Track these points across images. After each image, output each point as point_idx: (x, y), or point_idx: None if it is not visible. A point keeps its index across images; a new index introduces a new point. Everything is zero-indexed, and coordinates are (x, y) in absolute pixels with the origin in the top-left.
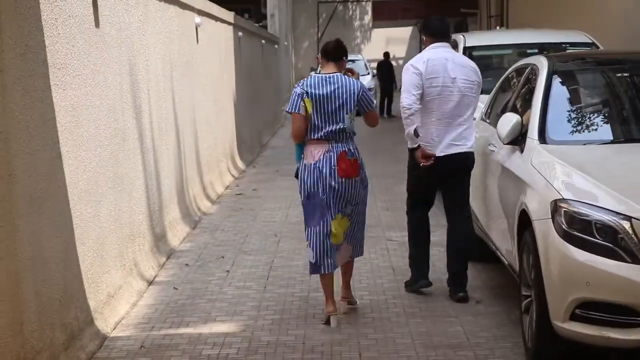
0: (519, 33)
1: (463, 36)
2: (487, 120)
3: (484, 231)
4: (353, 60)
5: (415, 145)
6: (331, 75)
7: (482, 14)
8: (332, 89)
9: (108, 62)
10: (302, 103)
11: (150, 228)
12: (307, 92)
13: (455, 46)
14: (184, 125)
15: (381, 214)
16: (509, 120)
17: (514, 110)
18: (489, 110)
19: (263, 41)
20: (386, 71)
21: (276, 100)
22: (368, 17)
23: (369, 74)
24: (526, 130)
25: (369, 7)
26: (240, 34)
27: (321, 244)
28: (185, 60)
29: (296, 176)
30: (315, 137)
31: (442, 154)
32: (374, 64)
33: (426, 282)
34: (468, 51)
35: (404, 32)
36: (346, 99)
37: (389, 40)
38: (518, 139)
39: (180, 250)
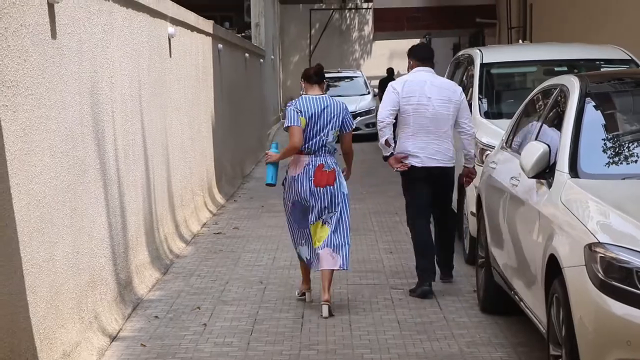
0: (545, 48)
1: (480, 51)
2: (509, 149)
3: (505, 278)
4: (351, 77)
5: (388, 154)
6: (319, 96)
7: (502, 25)
8: (322, 108)
9: (66, 80)
10: (298, 118)
11: (113, 274)
12: (300, 111)
13: (470, 62)
14: (155, 153)
15: (384, 257)
16: (534, 150)
17: (540, 138)
18: (510, 138)
19: (247, 55)
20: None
21: (261, 123)
22: (369, 28)
23: (369, 93)
24: (555, 162)
25: (369, 16)
26: (220, 46)
27: (303, 245)
28: (156, 77)
29: (271, 185)
30: (301, 151)
31: (420, 165)
32: (376, 82)
33: (429, 290)
34: (485, 69)
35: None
36: (333, 117)
37: (393, 54)
38: (545, 172)
39: (148, 299)
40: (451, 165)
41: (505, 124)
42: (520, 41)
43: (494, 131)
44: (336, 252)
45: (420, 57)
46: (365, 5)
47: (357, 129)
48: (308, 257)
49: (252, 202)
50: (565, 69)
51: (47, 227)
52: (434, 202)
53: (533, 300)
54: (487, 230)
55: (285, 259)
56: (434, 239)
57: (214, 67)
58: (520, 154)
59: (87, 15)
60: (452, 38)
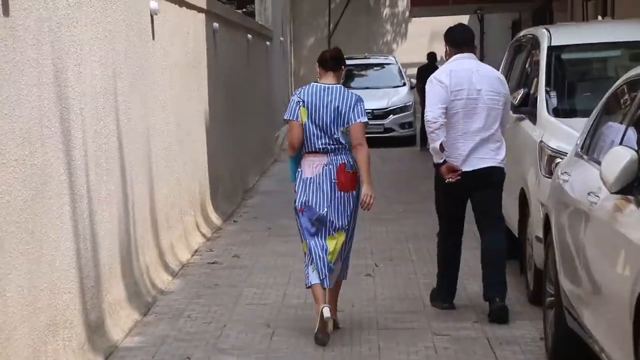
0: (631, 26)
1: (547, 31)
2: (585, 157)
3: (580, 322)
4: (382, 65)
5: (441, 161)
6: (330, 86)
7: None
8: (329, 99)
9: (22, 68)
10: (299, 111)
11: (81, 314)
12: (303, 101)
13: (535, 45)
14: (134, 160)
15: (424, 295)
16: (619, 158)
17: (627, 142)
18: (587, 142)
19: (249, 36)
20: None
21: (267, 123)
22: (403, 2)
23: (404, 84)
24: None
25: None
26: (216, 25)
27: (320, 259)
28: (136, 65)
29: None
30: (313, 149)
31: (469, 169)
32: (413, 70)
33: (449, 306)
34: (555, 54)
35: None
36: (342, 111)
37: (435, 35)
38: (633, 186)
39: (125, 347)
40: (502, 165)
41: (580, 124)
42: (600, 17)
43: (566, 133)
44: (341, 262)
45: (457, 42)
46: None
47: (390, 129)
48: (321, 278)
49: (257, 223)
50: None
51: None
52: (480, 209)
53: (617, 350)
54: (557, 261)
55: (299, 295)
56: (481, 256)
57: (208, 52)
58: (600, 162)
59: None
60: (511, 14)
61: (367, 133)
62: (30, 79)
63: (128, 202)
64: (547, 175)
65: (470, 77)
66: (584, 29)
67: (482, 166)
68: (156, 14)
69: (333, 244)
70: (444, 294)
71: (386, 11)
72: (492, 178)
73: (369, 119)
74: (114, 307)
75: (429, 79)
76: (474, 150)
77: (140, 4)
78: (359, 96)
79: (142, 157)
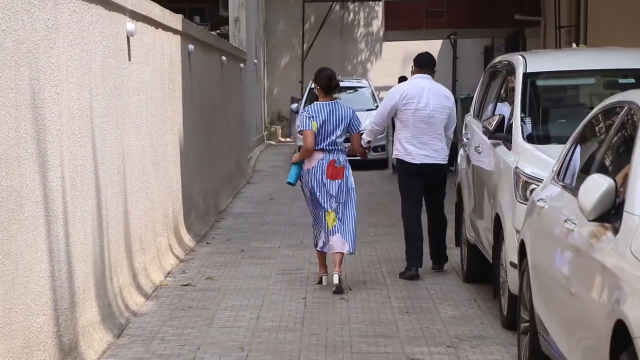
0: (605, 54)
1: (522, 58)
2: (561, 184)
3: (556, 348)
4: (355, 88)
5: (367, 147)
6: (329, 102)
7: (548, 23)
8: (331, 113)
9: (0, 89)
10: (310, 122)
11: (54, 336)
12: (312, 117)
13: (511, 72)
14: (108, 182)
15: (398, 318)
16: (596, 186)
17: (603, 170)
18: (563, 169)
19: (223, 58)
20: None
21: (240, 145)
22: (378, 22)
23: (377, 107)
24: (622, 201)
25: (379, 8)
26: (191, 47)
27: (322, 229)
28: (112, 86)
29: (290, 184)
30: (315, 148)
31: (417, 162)
32: (384, 93)
33: (416, 272)
34: (530, 80)
35: (431, 48)
36: (341, 121)
37: (408, 58)
38: (610, 214)
39: None
40: (444, 163)
41: (555, 151)
42: (574, 45)
43: (540, 160)
44: (344, 239)
45: (420, 64)
46: None
47: None
48: (325, 242)
49: (230, 245)
50: (633, 81)
51: None
52: (428, 198)
53: None
54: (532, 287)
55: (273, 318)
56: (428, 232)
57: (183, 74)
58: (576, 190)
59: (26, 7)
60: (483, 40)
61: None
62: (8, 100)
63: (102, 223)
64: (522, 201)
65: (421, 93)
66: (559, 56)
67: (427, 162)
68: (132, 36)
69: (328, 216)
70: (412, 262)
71: (360, 30)
72: (437, 170)
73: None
74: (87, 329)
75: (389, 90)
76: (420, 148)
77: (117, 25)
78: (352, 110)
79: (117, 179)
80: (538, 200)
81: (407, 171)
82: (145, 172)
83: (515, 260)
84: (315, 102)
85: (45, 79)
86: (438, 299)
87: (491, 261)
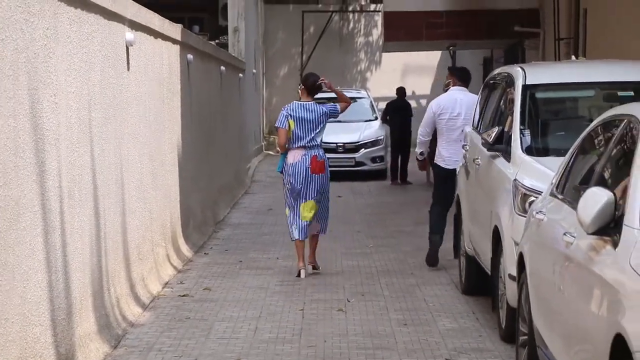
0: (605, 66)
1: (522, 70)
2: (560, 196)
3: None
4: (355, 99)
5: (422, 159)
6: (308, 103)
7: (547, 35)
8: (308, 112)
9: None
10: (286, 122)
11: (51, 347)
12: (290, 115)
13: (510, 84)
14: (107, 191)
15: (396, 330)
16: (595, 199)
17: (602, 183)
18: (562, 181)
19: (222, 68)
20: (400, 115)
21: (239, 155)
22: (377, 31)
23: (376, 118)
24: (622, 214)
25: (378, 17)
26: (190, 56)
27: (296, 220)
28: (111, 96)
29: (280, 171)
30: (296, 145)
31: (449, 167)
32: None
33: (435, 261)
34: (529, 92)
35: (430, 59)
36: (318, 120)
37: (407, 69)
38: (609, 227)
39: None
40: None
41: (554, 163)
42: (573, 57)
43: (539, 172)
44: (319, 222)
45: (461, 78)
46: (372, 6)
47: (361, 163)
48: (299, 232)
49: (228, 255)
50: (632, 94)
51: None
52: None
53: None
54: (531, 299)
55: (271, 329)
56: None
57: (182, 84)
58: (576, 202)
59: (25, 16)
60: (482, 51)
61: (337, 166)
62: (6, 110)
63: (100, 233)
64: (521, 214)
65: (455, 104)
66: (558, 68)
67: (451, 167)
68: (132, 45)
69: (306, 208)
70: (433, 251)
71: (360, 40)
72: (453, 175)
73: (340, 152)
74: (84, 340)
75: (430, 104)
76: (451, 154)
77: (116, 35)
78: (325, 109)
79: (115, 189)
80: (537, 213)
81: (438, 174)
82: (143, 182)
83: (514, 273)
84: (295, 102)
85: (43, 89)
86: (436, 311)
87: (490, 273)
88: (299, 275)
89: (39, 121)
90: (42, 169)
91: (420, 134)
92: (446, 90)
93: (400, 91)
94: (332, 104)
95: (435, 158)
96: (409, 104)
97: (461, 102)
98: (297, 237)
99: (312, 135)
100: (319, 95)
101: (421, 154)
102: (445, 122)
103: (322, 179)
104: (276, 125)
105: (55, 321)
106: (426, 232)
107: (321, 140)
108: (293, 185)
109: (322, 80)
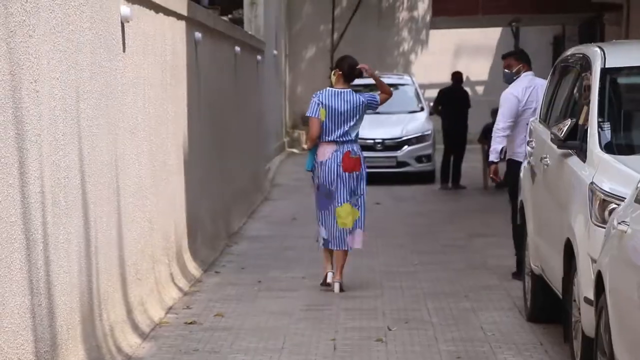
0: None
1: (600, 50)
2: None
3: None
4: (396, 85)
5: (497, 161)
6: (343, 90)
7: (632, 7)
8: (343, 101)
9: None
10: (319, 110)
11: None
12: (322, 103)
13: (585, 67)
14: (98, 198)
15: None
16: None
17: None
18: None
19: (237, 48)
20: (456, 106)
21: (257, 154)
22: (424, 6)
23: (422, 109)
24: None
25: None
26: (197, 35)
27: (331, 225)
28: (103, 83)
29: (310, 170)
30: (327, 139)
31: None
32: (432, 92)
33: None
34: (610, 76)
35: (488, 38)
36: (353, 111)
37: (460, 50)
38: None
39: None
40: None
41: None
42: None
43: (622, 173)
44: (363, 231)
45: (529, 61)
46: None
47: (404, 163)
48: (326, 238)
49: (244, 274)
50: None
51: None
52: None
53: None
54: (612, 328)
55: None
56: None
57: (188, 68)
58: None
59: None
60: (552, 28)
61: (376, 167)
62: None
63: (90, 248)
64: (599, 224)
65: (538, 92)
66: None
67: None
68: (128, 22)
69: (343, 213)
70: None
71: (402, 16)
72: None
73: (378, 150)
74: None
75: (505, 93)
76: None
77: (109, 9)
78: (363, 99)
79: (108, 194)
80: (619, 223)
81: (517, 173)
82: (142, 186)
83: (591, 296)
84: (328, 88)
85: (22, 74)
86: (496, 341)
87: (561, 296)
88: (325, 282)
89: (17, 113)
90: (20, 171)
91: (501, 128)
92: (509, 81)
93: (457, 77)
94: (371, 93)
95: (511, 155)
96: (466, 93)
97: (541, 88)
98: (331, 246)
99: (346, 128)
100: (355, 82)
101: (500, 152)
102: (532, 112)
103: (358, 178)
104: (307, 114)
105: (38, 354)
106: (483, 247)
107: (357, 136)
108: (324, 186)
109: (363, 66)
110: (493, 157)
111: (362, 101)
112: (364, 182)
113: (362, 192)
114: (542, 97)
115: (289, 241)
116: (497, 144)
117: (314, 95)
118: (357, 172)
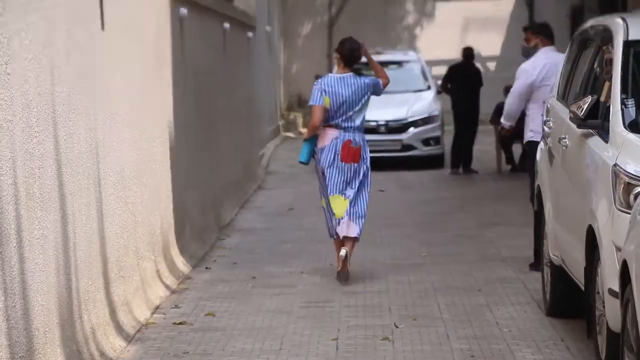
0: None
1: (623, 21)
2: None
3: None
4: (400, 62)
5: (507, 126)
6: (345, 75)
7: None
8: (346, 86)
9: None
10: (322, 98)
11: None
12: (325, 90)
13: (606, 40)
14: (76, 189)
15: None
16: None
17: None
18: None
19: (226, 25)
20: (467, 84)
21: (250, 139)
22: None
23: (429, 88)
24: None
25: None
26: (183, 10)
27: (328, 213)
28: (80, 63)
29: (303, 162)
30: (328, 123)
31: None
32: (439, 69)
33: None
34: (633, 50)
35: (499, 10)
36: (356, 95)
37: (469, 23)
38: None
39: None
40: None
41: None
42: None
43: None
44: (354, 222)
45: (551, 35)
46: None
47: (410, 147)
48: (332, 225)
49: (237, 270)
50: None
51: None
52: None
53: None
54: (639, 322)
55: None
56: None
57: (173, 47)
58: None
59: None
60: None
61: (380, 151)
62: None
63: (69, 244)
64: (624, 209)
65: (559, 68)
66: None
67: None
68: None
69: (335, 203)
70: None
71: None
72: None
73: (381, 132)
74: None
75: (520, 68)
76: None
77: None
78: (368, 82)
79: (87, 185)
80: None
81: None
82: (125, 176)
83: (616, 287)
84: (330, 74)
85: None
86: (513, 338)
87: (583, 288)
88: (339, 257)
89: None
90: None
91: (513, 104)
92: (527, 55)
93: (468, 52)
94: (372, 77)
95: (530, 136)
96: (478, 70)
97: (560, 64)
98: (333, 236)
99: (350, 113)
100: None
101: (510, 126)
102: (550, 89)
103: (357, 171)
104: (310, 103)
105: (14, 359)
106: (497, 237)
107: (362, 123)
108: (321, 171)
109: (362, 43)
110: (504, 125)
111: (367, 83)
112: (366, 177)
113: (357, 187)
114: (556, 72)
115: (286, 233)
116: (505, 120)
117: (315, 83)
118: (356, 165)
